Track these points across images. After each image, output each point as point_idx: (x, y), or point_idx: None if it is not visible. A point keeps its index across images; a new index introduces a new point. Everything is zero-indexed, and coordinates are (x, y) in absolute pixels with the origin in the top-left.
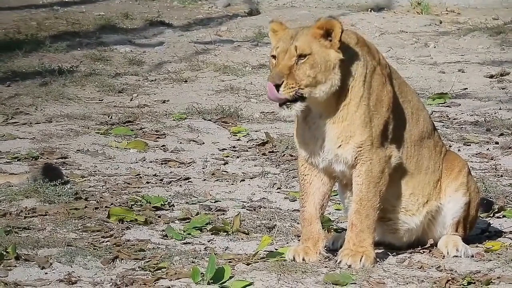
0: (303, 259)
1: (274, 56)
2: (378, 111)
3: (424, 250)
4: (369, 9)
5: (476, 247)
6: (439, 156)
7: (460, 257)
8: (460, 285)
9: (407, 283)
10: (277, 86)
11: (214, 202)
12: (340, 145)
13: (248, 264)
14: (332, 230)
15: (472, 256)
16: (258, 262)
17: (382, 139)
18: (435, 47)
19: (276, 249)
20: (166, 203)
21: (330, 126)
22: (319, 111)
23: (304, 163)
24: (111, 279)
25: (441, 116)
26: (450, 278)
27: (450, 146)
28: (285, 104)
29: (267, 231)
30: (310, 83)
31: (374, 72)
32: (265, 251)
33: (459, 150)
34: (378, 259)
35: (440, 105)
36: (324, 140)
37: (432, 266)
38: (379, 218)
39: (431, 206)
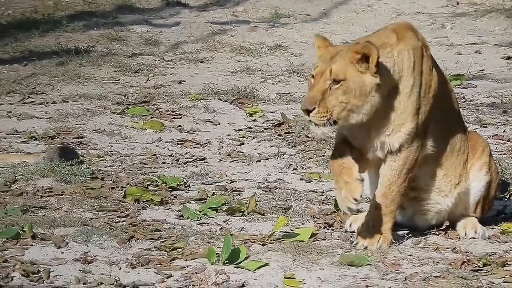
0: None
1: (313, 76)
2: (426, 97)
3: (439, 231)
4: None
5: (492, 228)
6: (466, 136)
7: (478, 239)
8: (475, 266)
9: (423, 265)
10: (308, 111)
11: (230, 182)
12: (389, 134)
13: (263, 245)
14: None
15: (489, 238)
16: (273, 243)
17: (425, 126)
18: (452, 29)
19: (292, 230)
20: (182, 183)
21: (382, 117)
22: (372, 115)
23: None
24: (127, 258)
25: (458, 98)
26: (465, 260)
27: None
28: (314, 123)
29: (282, 212)
30: (343, 109)
31: (423, 56)
32: (280, 231)
33: (475, 131)
34: (394, 241)
35: (457, 86)
36: (374, 129)
37: (447, 248)
38: (412, 199)
39: (461, 188)
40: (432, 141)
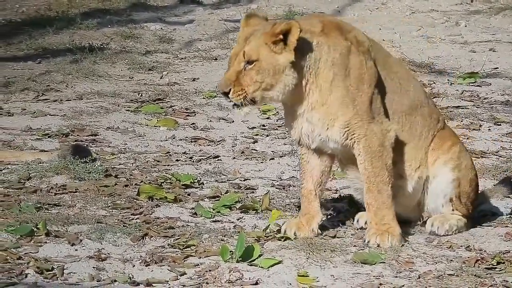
0: (295, 234)
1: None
2: (360, 89)
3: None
4: None
5: (505, 227)
6: (435, 124)
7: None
8: (489, 264)
9: (436, 263)
10: (225, 94)
11: (244, 180)
12: (327, 128)
13: (258, 240)
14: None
15: (503, 236)
16: (286, 240)
17: (372, 114)
18: (466, 26)
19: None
20: (196, 181)
21: (311, 112)
22: (293, 100)
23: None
24: (141, 256)
25: (472, 96)
26: (479, 258)
27: (480, 125)
28: (235, 105)
29: (296, 210)
30: (258, 88)
31: (349, 53)
32: (275, 224)
33: (489, 129)
34: (404, 236)
35: (471, 84)
36: (311, 123)
37: (461, 246)
38: None
39: (422, 172)
40: (396, 126)
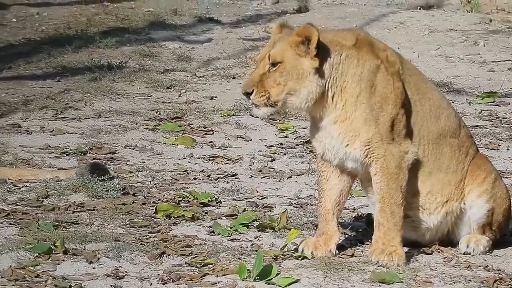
0: (312, 253)
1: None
2: (384, 108)
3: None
4: (419, 7)
5: None
6: (464, 157)
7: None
8: (508, 285)
9: (454, 282)
10: (248, 94)
11: (261, 198)
12: (347, 144)
13: (275, 259)
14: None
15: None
16: (304, 259)
17: (393, 135)
18: (484, 46)
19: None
20: (213, 199)
21: (333, 126)
22: (318, 112)
23: (321, 160)
24: (158, 274)
25: (490, 115)
26: (497, 278)
27: (499, 145)
28: (254, 104)
29: (313, 229)
30: (281, 91)
31: (378, 71)
32: (293, 243)
33: (508, 149)
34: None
35: (489, 104)
36: (332, 138)
37: (479, 266)
38: None
39: (451, 207)
40: (418, 151)
